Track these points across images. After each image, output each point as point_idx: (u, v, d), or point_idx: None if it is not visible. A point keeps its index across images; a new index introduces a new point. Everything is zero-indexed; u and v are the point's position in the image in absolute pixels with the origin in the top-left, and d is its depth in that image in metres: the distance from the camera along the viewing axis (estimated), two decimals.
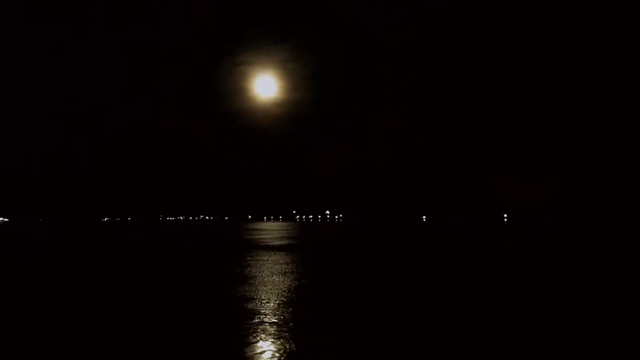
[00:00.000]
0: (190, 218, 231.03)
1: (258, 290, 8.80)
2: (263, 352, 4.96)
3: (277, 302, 7.64)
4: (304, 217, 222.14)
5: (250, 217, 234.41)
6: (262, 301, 7.74)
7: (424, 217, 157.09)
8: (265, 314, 6.75)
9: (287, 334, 5.66)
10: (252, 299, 7.89)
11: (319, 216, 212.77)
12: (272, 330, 5.85)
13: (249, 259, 15.41)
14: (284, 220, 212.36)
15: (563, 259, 14.18)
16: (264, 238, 30.87)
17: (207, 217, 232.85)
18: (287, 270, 12.07)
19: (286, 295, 8.32)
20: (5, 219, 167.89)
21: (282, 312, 6.88)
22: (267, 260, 14.91)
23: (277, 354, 4.89)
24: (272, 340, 5.41)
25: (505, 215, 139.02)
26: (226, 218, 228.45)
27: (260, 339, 5.46)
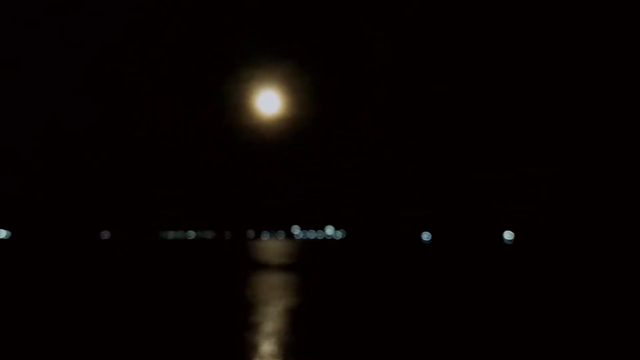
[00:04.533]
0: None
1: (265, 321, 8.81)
2: None
3: (284, 339, 7.66)
4: (304, 234, 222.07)
5: (252, 234, 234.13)
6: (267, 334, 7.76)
7: (428, 236, 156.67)
8: (268, 346, 6.78)
9: None
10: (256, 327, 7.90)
11: (319, 232, 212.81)
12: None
13: (252, 281, 15.41)
14: (285, 237, 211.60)
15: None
16: (266, 258, 30.84)
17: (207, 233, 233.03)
18: (288, 295, 12.06)
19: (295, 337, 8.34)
20: (8, 232, 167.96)
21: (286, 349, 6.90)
22: (270, 289, 14.92)
23: None
24: None
25: (509, 235, 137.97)
26: (226, 232, 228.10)
27: None
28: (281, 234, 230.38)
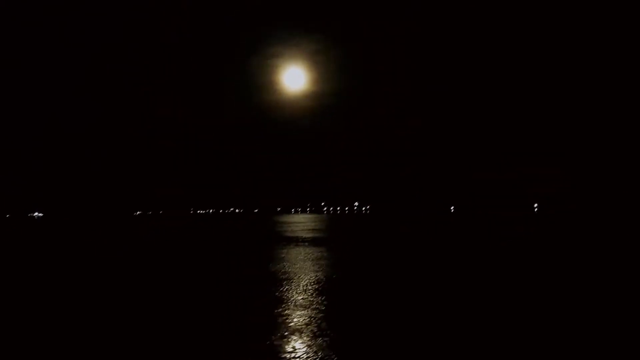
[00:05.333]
0: (221, 211, 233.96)
1: (291, 292, 8.72)
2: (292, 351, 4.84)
3: (313, 312, 7.55)
4: (331, 208, 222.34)
5: (279, 209, 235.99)
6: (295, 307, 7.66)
7: (452, 207, 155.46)
8: (298, 321, 6.67)
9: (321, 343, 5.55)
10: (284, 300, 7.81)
11: (347, 208, 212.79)
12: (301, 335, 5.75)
13: (280, 255, 15.41)
14: (312, 212, 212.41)
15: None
16: (294, 230, 30.94)
17: (236, 210, 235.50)
18: (318, 268, 11.99)
19: (324, 303, 8.23)
20: (41, 214, 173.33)
21: (319, 322, 6.79)
22: (298, 257, 14.88)
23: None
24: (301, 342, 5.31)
25: (535, 205, 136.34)
26: (255, 210, 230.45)
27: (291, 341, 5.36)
28: (308, 210, 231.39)
